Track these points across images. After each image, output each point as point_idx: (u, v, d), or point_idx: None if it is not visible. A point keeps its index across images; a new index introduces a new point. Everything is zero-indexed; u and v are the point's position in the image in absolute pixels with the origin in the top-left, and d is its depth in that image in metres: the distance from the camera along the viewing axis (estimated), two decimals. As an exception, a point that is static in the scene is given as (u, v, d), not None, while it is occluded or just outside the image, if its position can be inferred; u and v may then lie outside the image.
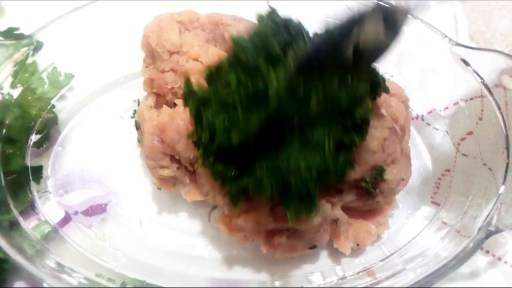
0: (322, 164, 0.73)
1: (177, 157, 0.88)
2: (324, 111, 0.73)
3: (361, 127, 0.77)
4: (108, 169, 1.04)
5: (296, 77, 0.71)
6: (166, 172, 0.89)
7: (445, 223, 0.92)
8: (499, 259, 0.92)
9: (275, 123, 0.72)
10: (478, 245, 0.77)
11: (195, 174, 0.89)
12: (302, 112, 0.72)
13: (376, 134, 0.83)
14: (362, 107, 0.76)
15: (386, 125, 0.85)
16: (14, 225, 0.85)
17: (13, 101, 0.98)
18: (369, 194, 0.86)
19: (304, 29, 0.79)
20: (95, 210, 0.98)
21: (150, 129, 0.85)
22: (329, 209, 0.82)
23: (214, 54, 0.90)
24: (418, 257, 0.86)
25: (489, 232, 0.78)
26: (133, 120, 1.04)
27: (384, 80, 0.82)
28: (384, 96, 0.85)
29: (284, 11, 1.17)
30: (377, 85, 0.80)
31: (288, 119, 0.72)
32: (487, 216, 0.81)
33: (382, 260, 0.90)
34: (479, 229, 0.80)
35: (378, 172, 0.84)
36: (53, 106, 1.05)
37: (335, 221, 0.87)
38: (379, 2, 0.97)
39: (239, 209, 0.78)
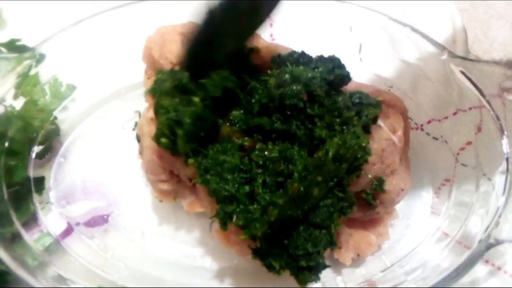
0: (329, 239, 0.77)
1: (176, 172, 0.88)
2: (325, 191, 0.76)
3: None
4: (110, 180, 1.04)
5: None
6: (166, 186, 0.89)
7: (445, 234, 0.92)
8: (499, 268, 0.93)
9: (280, 222, 0.74)
10: (478, 258, 0.78)
11: (195, 187, 0.90)
12: (304, 204, 0.75)
13: (374, 146, 0.84)
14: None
15: (383, 136, 0.86)
16: (16, 237, 0.86)
17: (15, 113, 0.99)
18: (370, 205, 0.87)
19: None
20: (97, 221, 0.99)
21: (149, 143, 0.86)
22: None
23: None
24: (418, 268, 0.87)
25: (489, 245, 0.79)
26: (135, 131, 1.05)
27: (378, 103, 0.83)
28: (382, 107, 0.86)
29: (287, 23, 1.21)
30: (368, 122, 0.83)
31: (293, 216, 0.74)
32: (487, 228, 0.82)
33: (383, 271, 0.90)
34: (479, 241, 0.80)
35: (378, 183, 0.84)
36: (55, 118, 1.06)
37: (336, 232, 0.88)
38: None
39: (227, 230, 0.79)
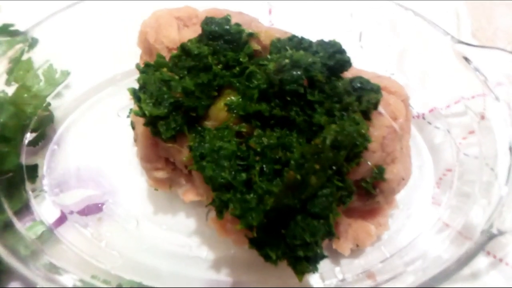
0: (328, 229, 0.74)
1: (171, 160, 0.86)
2: (324, 180, 0.74)
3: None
4: (104, 168, 1.03)
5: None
6: (161, 174, 0.88)
7: (446, 224, 0.90)
8: (500, 260, 0.91)
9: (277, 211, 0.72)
10: (480, 248, 0.76)
11: (191, 175, 0.88)
12: (302, 193, 0.72)
13: (375, 133, 0.81)
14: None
15: (384, 123, 0.83)
16: (8, 226, 0.84)
17: (7, 98, 0.97)
18: (369, 194, 0.85)
19: None
20: (91, 209, 0.97)
21: (144, 130, 0.84)
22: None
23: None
24: (418, 259, 0.85)
25: (491, 235, 0.77)
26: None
27: (379, 89, 0.81)
28: (383, 94, 0.84)
29: (286, 10, 1.19)
30: (369, 108, 0.80)
31: (290, 205, 0.72)
32: (489, 218, 0.80)
33: (382, 262, 0.89)
34: (481, 232, 0.78)
35: (378, 172, 0.82)
36: (49, 104, 1.04)
37: (334, 222, 0.86)
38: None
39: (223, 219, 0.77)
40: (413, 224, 0.95)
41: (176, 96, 0.78)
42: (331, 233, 0.75)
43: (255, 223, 0.70)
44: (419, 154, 1.04)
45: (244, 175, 0.74)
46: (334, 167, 0.74)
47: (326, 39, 0.86)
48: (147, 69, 0.81)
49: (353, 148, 0.75)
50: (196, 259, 0.92)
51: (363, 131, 0.75)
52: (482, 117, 0.96)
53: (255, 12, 1.01)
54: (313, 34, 0.92)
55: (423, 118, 1.07)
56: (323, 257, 0.77)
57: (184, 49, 0.81)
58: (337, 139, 0.72)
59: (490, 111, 0.95)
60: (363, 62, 0.98)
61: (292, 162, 0.71)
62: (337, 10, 1.15)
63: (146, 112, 0.78)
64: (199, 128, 0.80)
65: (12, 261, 0.77)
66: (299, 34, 0.89)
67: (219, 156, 0.75)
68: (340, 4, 1.14)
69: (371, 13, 1.11)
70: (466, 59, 0.95)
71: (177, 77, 0.80)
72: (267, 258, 0.75)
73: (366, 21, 1.13)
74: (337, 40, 0.85)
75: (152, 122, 0.80)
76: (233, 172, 0.74)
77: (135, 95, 0.80)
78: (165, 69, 0.81)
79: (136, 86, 0.94)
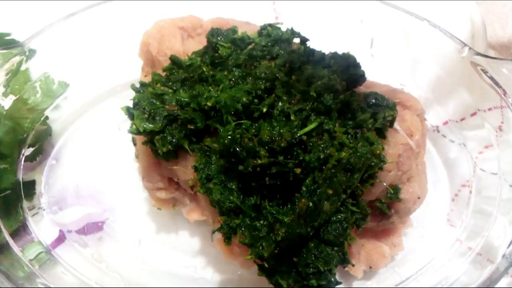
0: (342, 256, 0.71)
1: (175, 179, 0.82)
2: (337, 205, 0.70)
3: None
4: (105, 184, 0.99)
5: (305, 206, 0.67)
6: (164, 195, 0.84)
7: (464, 245, 0.86)
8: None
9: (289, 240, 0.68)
10: (504, 274, 0.72)
11: (196, 194, 0.84)
12: (314, 220, 0.68)
13: (390, 151, 0.77)
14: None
15: (400, 141, 0.79)
16: (3, 248, 0.80)
17: (4, 112, 0.93)
18: (384, 215, 0.81)
19: None
20: (91, 228, 0.93)
21: (146, 148, 0.79)
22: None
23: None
24: (436, 282, 0.81)
25: (514, 260, 0.73)
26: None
27: (394, 105, 0.77)
28: (398, 109, 0.80)
29: (292, 15, 1.15)
30: (385, 126, 0.76)
31: (302, 234, 0.68)
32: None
33: (397, 285, 0.84)
34: (503, 256, 0.74)
35: (394, 192, 0.78)
36: (47, 117, 1.00)
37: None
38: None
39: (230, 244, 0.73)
40: (428, 244, 0.91)
41: (170, 109, 0.75)
42: (345, 260, 0.70)
43: (266, 254, 0.66)
44: (434, 169, 1.00)
45: (253, 198, 0.70)
46: (348, 191, 0.69)
47: (335, 48, 0.82)
48: (142, 88, 0.77)
49: (368, 169, 0.71)
50: (201, 281, 0.89)
51: (377, 151, 0.71)
52: (500, 131, 0.92)
53: (261, 18, 0.97)
54: (321, 41, 0.88)
55: (438, 131, 1.03)
56: (336, 283, 0.73)
57: (174, 61, 0.77)
58: (350, 161, 0.67)
59: (509, 124, 0.90)
60: (374, 71, 0.94)
61: (304, 188, 0.66)
62: (347, 17, 1.10)
63: (140, 128, 0.74)
64: (205, 147, 0.75)
65: (7, 286, 0.73)
66: (308, 43, 0.86)
67: (226, 177, 0.71)
68: (350, 10, 1.10)
69: (383, 21, 1.06)
70: (484, 71, 0.91)
71: (170, 91, 0.77)
72: (277, 286, 0.70)
73: (378, 29, 1.08)
74: (347, 48, 0.81)
75: (150, 140, 0.76)
76: (241, 196, 0.70)
77: (129, 113, 0.76)
78: (158, 84, 0.77)
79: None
